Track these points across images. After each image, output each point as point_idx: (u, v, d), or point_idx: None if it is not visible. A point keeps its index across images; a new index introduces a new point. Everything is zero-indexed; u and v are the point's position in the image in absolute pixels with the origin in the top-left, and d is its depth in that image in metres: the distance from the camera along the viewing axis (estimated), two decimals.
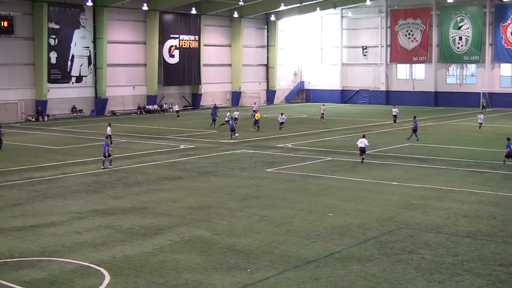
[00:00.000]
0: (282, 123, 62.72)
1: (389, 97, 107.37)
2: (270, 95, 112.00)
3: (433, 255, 21.92)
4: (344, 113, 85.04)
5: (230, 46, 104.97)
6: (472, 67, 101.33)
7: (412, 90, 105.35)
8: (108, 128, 52.30)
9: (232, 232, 25.09)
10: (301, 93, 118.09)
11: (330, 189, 33.87)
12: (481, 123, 63.61)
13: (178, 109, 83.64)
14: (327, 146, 51.86)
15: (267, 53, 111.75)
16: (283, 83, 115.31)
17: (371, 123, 72.51)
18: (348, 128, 66.64)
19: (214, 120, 67.87)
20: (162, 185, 35.35)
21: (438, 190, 33.39)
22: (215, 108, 79.21)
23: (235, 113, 69.34)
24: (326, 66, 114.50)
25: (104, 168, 40.96)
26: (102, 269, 20.50)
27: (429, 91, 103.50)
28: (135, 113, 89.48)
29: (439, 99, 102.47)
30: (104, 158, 41.62)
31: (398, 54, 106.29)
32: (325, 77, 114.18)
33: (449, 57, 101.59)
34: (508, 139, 40.98)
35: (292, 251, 22.50)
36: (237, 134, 57.40)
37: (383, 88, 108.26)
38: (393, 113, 69.99)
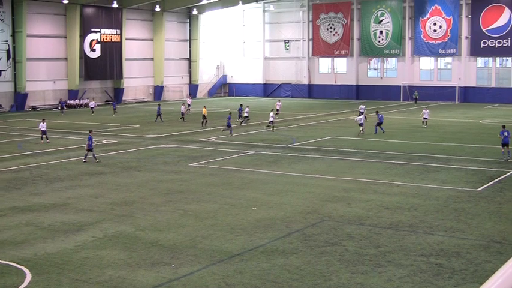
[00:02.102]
0: (271, 121, 59.37)
1: (311, 90, 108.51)
2: (193, 89, 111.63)
3: (356, 246, 22.18)
4: (267, 106, 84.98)
5: (152, 40, 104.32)
6: (393, 61, 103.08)
7: (333, 83, 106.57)
8: (41, 123, 51.13)
9: (156, 227, 24.91)
10: (223, 87, 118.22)
11: (254, 183, 33.93)
12: (426, 119, 61.00)
13: (93, 105, 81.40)
14: (250, 140, 51.96)
15: (190, 47, 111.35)
16: (206, 77, 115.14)
17: (294, 116, 72.94)
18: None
19: (159, 115, 66.78)
20: (84, 181, 34.86)
21: (360, 182, 33.80)
22: (114, 103, 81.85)
23: (182, 107, 69.93)
24: (249, 60, 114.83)
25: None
26: (23, 268, 20.11)
27: (351, 84, 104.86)
28: (56, 108, 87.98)
29: (361, 93, 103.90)
30: (87, 152, 41.34)
31: (320, 48, 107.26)
32: (247, 71, 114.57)
33: (370, 50, 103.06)
34: (503, 126, 41.47)
35: (216, 245, 22.47)
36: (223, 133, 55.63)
37: (305, 82, 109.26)
38: (360, 110, 67.68)
